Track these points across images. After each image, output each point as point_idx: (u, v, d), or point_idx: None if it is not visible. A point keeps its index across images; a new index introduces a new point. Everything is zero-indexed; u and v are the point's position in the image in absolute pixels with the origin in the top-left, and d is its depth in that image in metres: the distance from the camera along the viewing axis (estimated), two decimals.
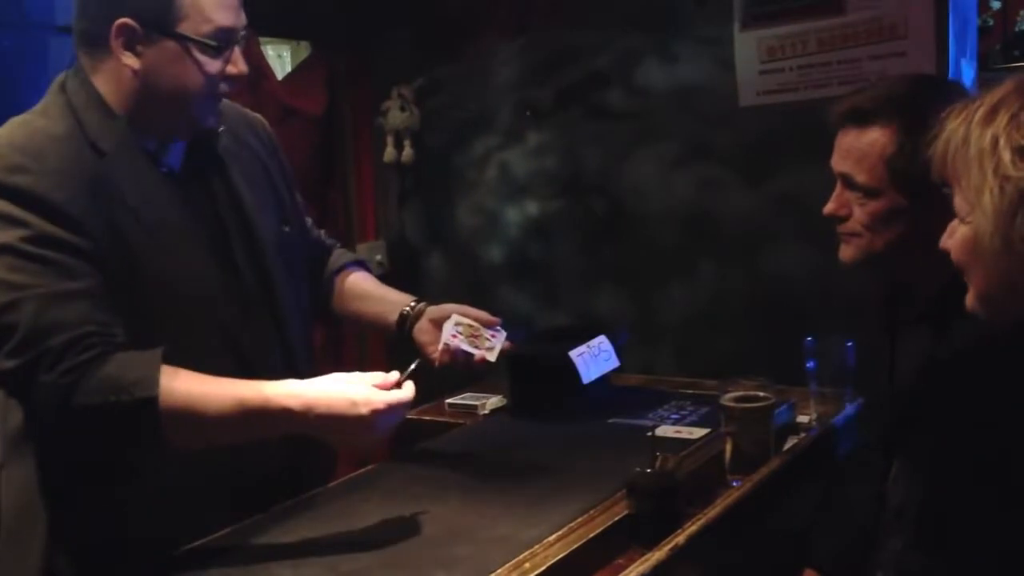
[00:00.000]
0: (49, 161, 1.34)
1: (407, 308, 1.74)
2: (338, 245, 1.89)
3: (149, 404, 1.26)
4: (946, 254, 1.11)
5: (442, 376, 2.02)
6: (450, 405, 2.24)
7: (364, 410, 1.32)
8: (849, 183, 1.49)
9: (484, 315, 1.69)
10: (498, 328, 1.68)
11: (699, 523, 1.42)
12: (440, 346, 1.64)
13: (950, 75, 2.12)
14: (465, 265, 2.99)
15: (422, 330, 1.71)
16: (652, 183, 2.60)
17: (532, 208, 2.85)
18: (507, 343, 1.67)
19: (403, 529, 1.43)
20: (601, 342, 2.05)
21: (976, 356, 1.12)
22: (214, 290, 1.48)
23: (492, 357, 1.64)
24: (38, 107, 1.44)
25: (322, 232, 1.88)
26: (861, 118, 1.47)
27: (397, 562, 1.33)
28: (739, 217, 2.47)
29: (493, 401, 2.18)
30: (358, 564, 1.33)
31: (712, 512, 1.46)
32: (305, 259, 1.72)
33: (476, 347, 1.63)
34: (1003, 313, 1.04)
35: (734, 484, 1.60)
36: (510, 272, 2.91)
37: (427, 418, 2.22)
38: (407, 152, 2.99)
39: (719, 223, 2.51)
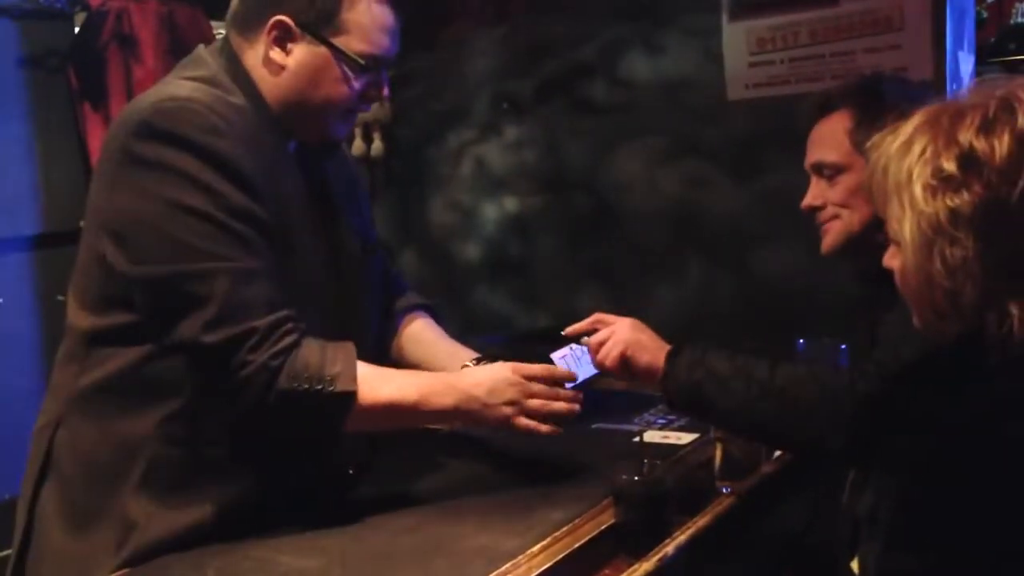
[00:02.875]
0: (238, 128, 1.38)
1: (470, 362, 1.76)
2: (409, 287, 1.90)
3: (348, 397, 1.37)
4: None
5: None
6: None
7: (509, 377, 1.49)
8: (820, 169, 1.60)
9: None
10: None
11: (688, 532, 1.40)
12: None
13: (948, 68, 2.12)
14: (440, 264, 2.96)
15: None
16: (637, 179, 2.60)
17: (511, 205, 2.82)
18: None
19: (380, 542, 1.39)
20: (585, 345, 1.98)
21: (936, 363, 1.15)
22: (330, 285, 1.53)
23: None
24: (199, 74, 1.45)
25: (399, 271, 1.94)
26: (825, 107, 1.60)
27: None
28: (727, 215, 2.46)
29: None
30: None
31: (702, 520, 1.45)
32: (380, 290, 1.74)
33: None
34: (942, 334, 1.08)
35: (724, 491, 1.57)
36: (488, 271, 2.88)
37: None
38: (377, 145, 2.95)
39: (707, 221, 2.50)
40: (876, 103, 1.51)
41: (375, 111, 2.91)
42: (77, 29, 2.84)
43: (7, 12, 2.79)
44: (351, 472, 1.62)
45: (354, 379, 1.37)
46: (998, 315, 1.01)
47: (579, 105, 2.64)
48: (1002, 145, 1.00)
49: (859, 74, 1.89)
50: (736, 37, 2.35)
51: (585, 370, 1.97)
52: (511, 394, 1.47)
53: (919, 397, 1.14)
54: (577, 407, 1.54)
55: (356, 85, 1.46)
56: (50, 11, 2.84)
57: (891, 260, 1.13)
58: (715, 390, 1.44)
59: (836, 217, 1.58)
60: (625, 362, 1.52)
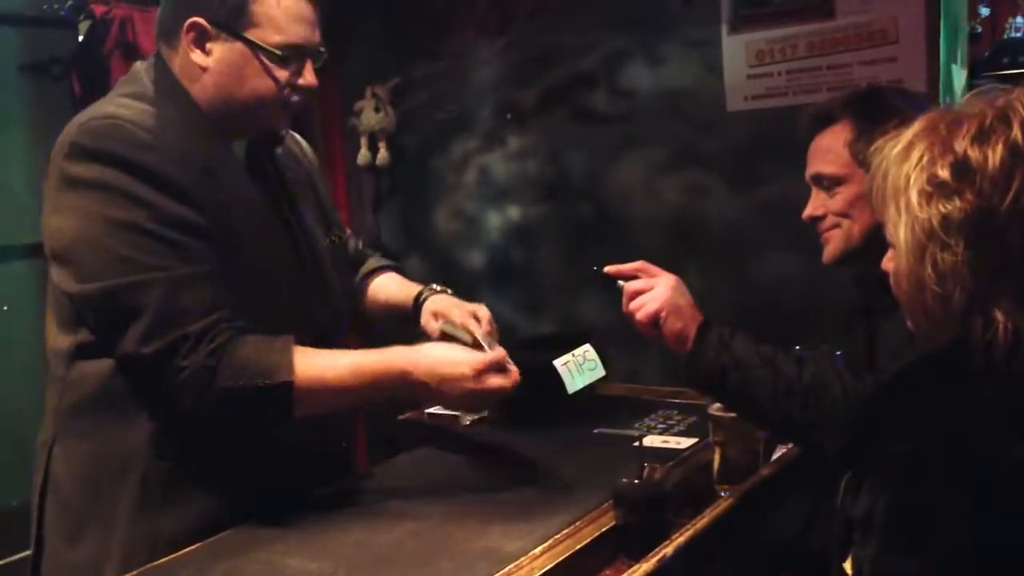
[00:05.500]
0: (171, 141, 1.41)
1: (422, 292, 1.78)
2: (375, 254, 1.93)
3: (285, 387, 1.37)
4: None
5: None
6: (430, 415, 2.19)
7: (466, 369, 1.45)
8: (820, 180, 1.60)
9: (471, 319, 1.68)
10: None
11: (687, 534, 1.40)
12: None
13: (941, 81, 2.12)
14: (444, 271, 2.96)
15: (425, 323, 1.75)
16: (638, 188, 2.59)
17: (514, 213, 2.82)
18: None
19: (384, 543, 1.39)
20: (587, 350, 1.99)
21: (927, 367, 1.15)
22: (293, 276, 1.54)
23: None
24: (130, 90, 1.48)
25: (360, 243, 1.93)
26: (824, 120, 1.60)
27: None
28: (726, 224, 2.46)
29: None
30: None
31: (700, 523, 1.45)
32: (351, 274, 1.78)
33: None
34: (933, 338, 1.10)
35: (722, 494, 1.58)
36: (491, 278, 2.88)
37: (408, 428, 2.16)
38: (382, 154, 2.96)
39: (706, 230, 2.50)
40: (875, 115, 1.51)
41: (381, 120, 2.93)
42: (81, 37, 2.85)
43: (10, 19, 2.81)
44: (344, 445, 1.67)
45: (291, 369, 1.37)
46: (984, 321, 1.02)
47: (581, 115, 2.66)
48: (995, 155, 1.01)
49: (858, 86, 1.93)
50: (735, 49, 2.37)
51: (586, 376, 1.99)
52: (465, 387, 1.45)
53: (911, 401, 1.14)
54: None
55: (279, 76, 1.46)
56: (53, 19, 2.85)
57: (888, 263, 1.14)
58: (739, 378, 1.45)
59: (836, 227, 1.59)
60: (656, 321, 1.50)
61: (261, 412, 1.40)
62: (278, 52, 1.45)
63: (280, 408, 1.39)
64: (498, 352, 1.51)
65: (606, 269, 1.58)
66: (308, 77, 1.50)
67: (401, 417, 2.25)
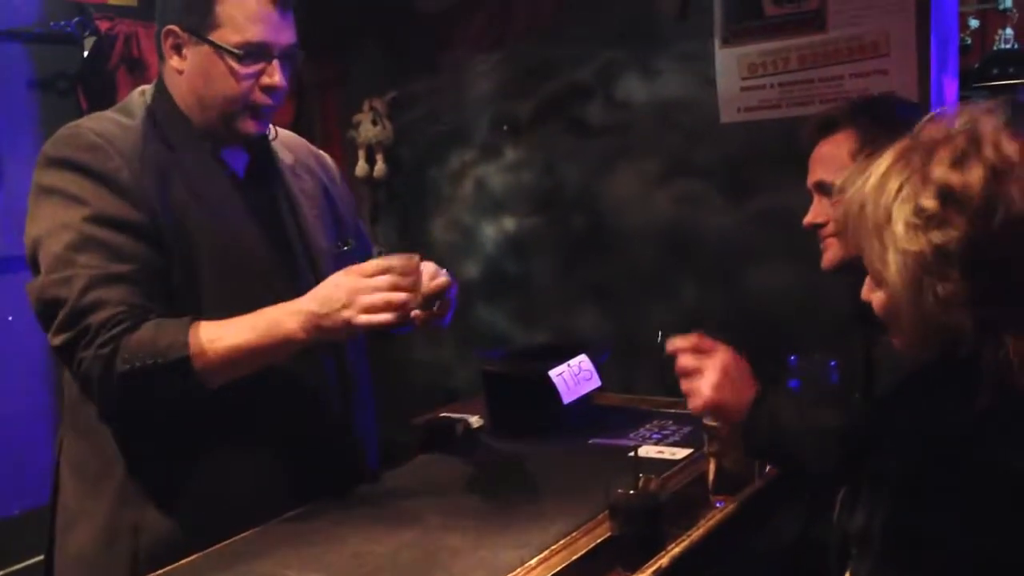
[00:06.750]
0: (119, 144, 1.47)
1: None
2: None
3: (183, 362, 1.39)
4: None
5: (418, 395, 1.96)
6: (428, 422, 2.20)
7: (340, 280, 1.42)
8: (822, 188, 1.59)
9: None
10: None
11: (683, 545, 1.41)
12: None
13: (932, 93, 2.13)
14: None
15: None
16: (632, 199, 2.60)
17: (509, 224, 2.84)
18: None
19: (381, 554, 1.40)
20: (581, 361, 2.01)
21: (923, 385, 1.15)
22: (273, 279, 1.55)
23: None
24: (118, 106, 1.57)
25: (381, 252, 1.90)
26: (828, 128, 1.60)
27: None
28: (720, 234, 2.47)
29: (471, 421, 2.14)
30: None
31: (696, 533, 1.45)
32: None
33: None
34: (927, 354, 1.10)
35: (718, 505, 1.59)
36: (487, 289, 2.89)
37: (402, 439, 2.17)
38: (380, 167, 2.98)
39: (700, 240, 2.51)
40: (879, 124, 1.51)
41: (378, 133, 2.96)
42: (86, 53, 2.88)
43: (18, 36, 2.83)
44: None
45: (185, 345, 1.38)
46: (993, 343, 1.02)
47: (576, 127, 2.67)
48: (976, 178, 1.01)
49: (863, 95, 1.90)
50: (728, 62, 2.39)
51: (583, 386, 2.00)
52: (342, 297, 1.39)
53: (910, 415, 1.13)
54: (414, 297, 1.44)
55: (243, 76, 1.49)
56: (60, 35, 2.88)
57: (870, 294, 1.13)
58: (789, 451, 1.43)
59: (838, 234, 1.58)
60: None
61: (167, 390, 1.41)
62: (237, 51, 1.48)
63: (185, 383, 1.39)
64: (385, 278, 1.41)
65: (668, 348, 1.51)
66: (274, 77, 1.51)
67: (415, 421, 2.26)
